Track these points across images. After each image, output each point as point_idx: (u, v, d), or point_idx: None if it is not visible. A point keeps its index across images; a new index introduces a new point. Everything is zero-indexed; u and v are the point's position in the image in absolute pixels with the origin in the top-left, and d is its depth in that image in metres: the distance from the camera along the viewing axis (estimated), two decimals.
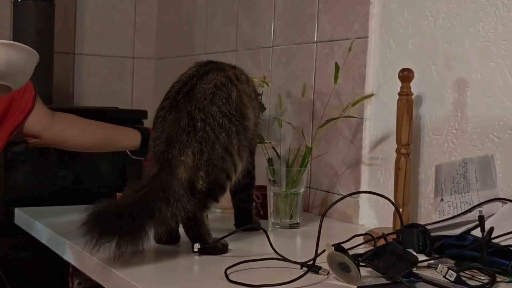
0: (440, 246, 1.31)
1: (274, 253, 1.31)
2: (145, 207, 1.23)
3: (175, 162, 1.29)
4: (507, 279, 1.16)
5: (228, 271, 1.17)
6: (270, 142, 1.88)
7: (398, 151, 1.54)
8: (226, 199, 1.52)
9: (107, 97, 2.96)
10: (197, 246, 1.31)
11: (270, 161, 1.71)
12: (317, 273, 1.19)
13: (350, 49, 1.71)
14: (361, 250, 1.29)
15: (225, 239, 1.36)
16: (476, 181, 1.43)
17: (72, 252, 1.42)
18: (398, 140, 1.53)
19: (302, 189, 1.66)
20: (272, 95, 2.09)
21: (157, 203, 1.23)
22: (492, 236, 1.23)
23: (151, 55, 3.06)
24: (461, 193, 1.45)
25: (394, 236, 1.34)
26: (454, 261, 1.25)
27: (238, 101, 1.40)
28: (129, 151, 1.72)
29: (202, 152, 1.32)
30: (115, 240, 1.19)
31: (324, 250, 1.19)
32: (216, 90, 1.37)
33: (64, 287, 1.89)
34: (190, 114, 1.33)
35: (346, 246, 1.23)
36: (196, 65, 1.46)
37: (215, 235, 1.36)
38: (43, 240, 1.63)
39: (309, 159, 1.74)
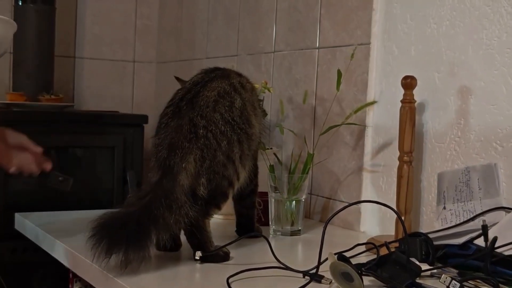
0: (443, 255, 1.30)
1: (276, 261, 1.31)
2: (149, 214, 1.22)
3: (177, 168, 1.28)
4: None
5: (230, 280, 1.16)
6: (271, 148, 1.87)
7: (400, 158, 1.53)
8: (227, 205, 1.51)
9: (107, 101, 2.96)
10: (198, 254, 1.30)
11: (271, 168, 1.70)
12: (320, 282, 1.18)
13: (352, 56, 1.71)
14: (363, 258, 1.28)
15: (227, 246, 1.35)
16: (479, 189, 1.42)
17: (72, 258, 1.41)
18: (401, 148, 1.53)
19: (304, 196, 1.65)
20: (274, 101, 2.08)
21: (160, 210, 1.23)
22: (496, 245, 1.22)
23: (151, 59, 3.06)
24: (464, 201, 1.44)
25: (396, 244, 1.34)
26: (457, 271, 1.24)
27: (242, 109, 1.39)
28: None
29: (203, 159, 1.31)
30: (122, 249, 1.18)
31: (326, 259, 1.18)
32: (219, 98, 1.36)
33: None
34: (192, 121, 1.32)
35: (348, 254, 1.23)
36: (202, 72, 1.46)
37: (216, 241, 1.36)
38: (43, 246, 1.62)
39: (311, 165, 1.74)
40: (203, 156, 1.32)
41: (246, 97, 1.43)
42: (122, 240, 1.19)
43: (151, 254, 1.22)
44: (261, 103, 1.70)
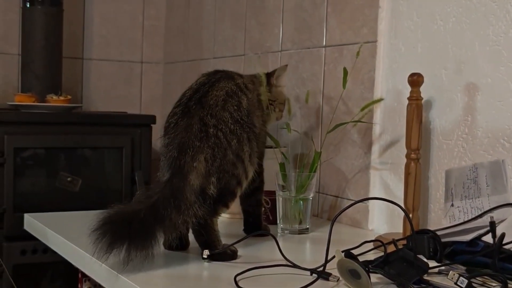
0: (450, 252, 1.30)
1: (284, 259, 1.31)
2: (156, 214, 1.23)
3: (188, 168, 1.29)
4: None
5: (237, 278, 1.16)
6: (276, 147, 1.87)
7: (407, 156, 1.53)
8: (235, 204, 1.51)
9: (115, 102, 2.97)
10: (206, 252, 1.31)
11: (282, 166, 1.70)
12: (327, 280, 1.19)
13: (358, 54, 1.70)
14: (371, 256, 1.28)
15: (235, 245, 1.36)
16: (487, 186, 1.42)
17: (81, 258, 1.42)
18: (408, 145, 1.53)
19: (312, 194, 1.65)
20: None
21: (168, 210, 1.23)
22: (504, 242, 1.22)
23: (159, 59, 3.07)
24: (472, 198, 1.44)
25: (404, 242, 1.33)
26: (465, 268, 1.24)
27: (248, 108, 1.40)
28: None
29: (214, 158, 1.32)
30: (124, 246, 1.19)
31: (334, 257, 1.18)
32: (228, 97, 1.37)
33: None
34: (202, 120, 1.33)
35: (356, 252, 1.22)
36: (205, 75, 1.47)
37: (223, 240, 1.36)
38: (52, 246, 1.63)
39: (318, 164, 1.74)
40: (214, 155, 1.32)
41: (250, 97, 1.44)
42: (125, 236, 1.19)
43: (155, 253, 1.23)
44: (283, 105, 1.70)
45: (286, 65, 1.73)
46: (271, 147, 1.71)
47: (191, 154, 1.30)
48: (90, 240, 1.20)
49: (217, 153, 1.32)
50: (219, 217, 1.38)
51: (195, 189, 1.28)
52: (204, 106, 1.35)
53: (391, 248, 1.25)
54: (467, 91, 1.51)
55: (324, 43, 1.93)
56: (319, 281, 1.17)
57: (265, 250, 1.44)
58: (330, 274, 1.19)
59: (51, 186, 2.47)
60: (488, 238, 1.26)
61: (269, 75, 1.67)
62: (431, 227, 1.53)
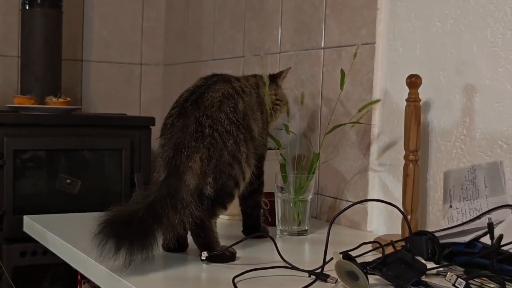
0: (449, 253, 1.30)
1: (282, 261, 1.31)
2: (153, 213, 1.23)
3: (183, 168, 1.29)
4: None
5: (236, 280, 1.17)
6: (277, 149, 1.88)
7: (406, 157, 1.53)
8: (233, 206, 1.51)
9: (115, 104, 2.98)
10: (205, 254, 1.31)
11: (282, 168, 1.70)
12: (325, 281, 1.19)
13: (355, 55, 1.70)
14: (369, 257, 1.28)
15: (233, 246, 1.36)
16: (485, 187, 1.42)
17: (80, 260, 1.42)
18: (406, 146, 1.53)
19: (310, 196, 1.65)
20: None
21: (165, 209, 1.23)
22: (502, 243, 1.22)
23: (158, 61, 3.07)
24: (470, 199, 1.44)
25: (402, 243, 1.34)
26: (463, 269, 1.24)
27: (244, 112, 1.41)
28: None
29: (210, 158, 1.32)
30: (126, 247, 1.19)
31: (332, 258, 1.18)
32: (224, 99, 1.38)
33: None
34: (198, 121, 1.33)
35: (354, 253, 1.23)
36: (202, 78, 1.47)
37: (222, 242, 1.36)
38: (52, 248, 1.63)
39: (317, 165, 1.74)
40: (210, 155, 1.32)
41: (246, 101, 1.44)
42: (125, 237, 1.19)
43: (155, 253, 1.23)
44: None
45: (290, 68, 1.75)
46: (270, 149, 1.71)
47: (187, 154, 1.30)
48: (94, 244, 1.20)
49: (212, 153, 1.32)
50: (217, 218, 1.38)
51: (191, 189, 1.28)
52: (200, 107, 1.35)
53: (389, 250, 1.25)
54: (465, 93, 1.51)
55: (322, 45, 1.94)
56: (317, 283, 1.17)
57: (263, 252, 1.45)
58: (328, 276, 1.19)
59: (50, 188, 2.47)
60: (486, 240, 1.26)
61: (275, 77, 1.69)
62: (430, 228, 1.53)
